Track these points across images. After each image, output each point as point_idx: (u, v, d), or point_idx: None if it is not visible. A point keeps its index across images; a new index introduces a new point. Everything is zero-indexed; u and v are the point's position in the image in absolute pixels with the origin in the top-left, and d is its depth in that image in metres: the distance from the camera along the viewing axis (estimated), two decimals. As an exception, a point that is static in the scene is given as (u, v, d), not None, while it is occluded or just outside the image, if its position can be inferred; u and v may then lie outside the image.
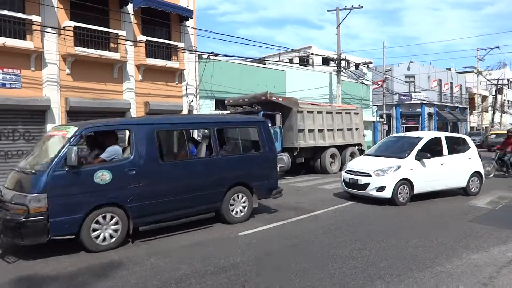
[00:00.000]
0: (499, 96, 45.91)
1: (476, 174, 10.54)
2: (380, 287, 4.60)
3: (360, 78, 27.60)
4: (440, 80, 39.98)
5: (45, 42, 13.09)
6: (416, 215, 8.40)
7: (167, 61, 16.25)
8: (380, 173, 9.11)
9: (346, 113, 17.62)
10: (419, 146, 9.55)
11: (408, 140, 10.37)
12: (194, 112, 17.64)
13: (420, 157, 9.37)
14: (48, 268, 5.37)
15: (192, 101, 17.57)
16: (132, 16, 15.37)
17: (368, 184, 9.19)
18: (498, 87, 44.45)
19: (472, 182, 10.44)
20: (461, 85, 44.01)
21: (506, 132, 17.77)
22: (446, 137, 10.26)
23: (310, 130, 15.68)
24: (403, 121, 38.28)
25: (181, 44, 16.69)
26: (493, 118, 44.40)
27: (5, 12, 12.02)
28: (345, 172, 10.08)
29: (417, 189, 9.35)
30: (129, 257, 5.73)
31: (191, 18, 17.00)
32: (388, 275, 4.95)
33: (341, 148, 17.29)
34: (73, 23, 13.36)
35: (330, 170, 16.33)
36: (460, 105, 43.81)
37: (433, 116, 39.01)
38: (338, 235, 6.89)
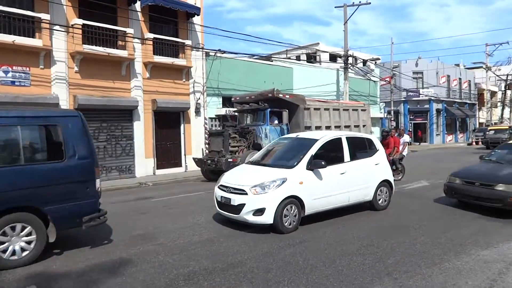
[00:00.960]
0: (508, 92, 45.39)
1: (385, 183, 8.63)
2: (388, 283, 4.59)
3: (368, 75, 27.44)
4: (448, 76, 39.62)
5: (54, 40, 13.20)
6: (424, 211, 8.36)
7: (174, 59, 16.29)
8: (259, 190, 6.70)
9: (353, 109, 17.56)
10: (312, 151, 7.34)
11: (300, 143, 8.08)
12: (201, 110, 17.70)
13: (313, 165, 7.17)
14: (57, 264, 5.43)
15: (199, 98, 17.61)
16: (139, 14, 15.43)
17: (243, 205, 6.70)
18: (508, 82, 43.94)
19: (380, 193, 8.52)
20: (469, 81, 43.58)
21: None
22: (348, 138, 8.15)
23: (317, 127, 15.61)
24: (411, 117, 38.04)
25: (188, 42, 16.72)
26: (502, 114, 43.92)
27: (14, 10, 12.13)
28: (218, 187, 7.50)
29: (309, 209, 7.14)
30: (137, 254, 5.78)
31: (198, 15, 17.03)
32: (396, 271, 4.94)
33: None
34: (81, 21, 13.45)
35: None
36: (468, 101, 43.39)
37: (441, 112, 38.70)
38: (346, 231, 6.88)
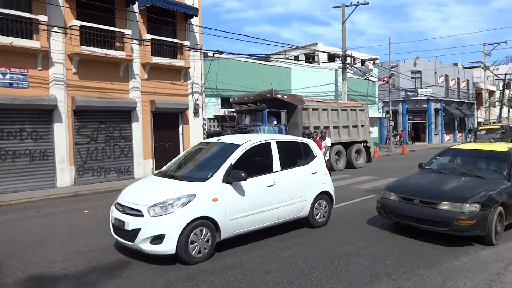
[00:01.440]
0: (506, 91, 45.49)
1: (324, 195, 7.36)
2: (386, 284, 4.59)
3: (366, 75, 27.47)
4: (446, 76, 39.69)
5: (52, 41, 13.18)
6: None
7: (172, 60, 16.28)
8: (158, 211, 5.27)
9: (351, 110, 17.57)
10: (231, 159, 5.92)
11: (219, 149, 6.64)
12: (200, 110, 17.69)
13: (231, 178, 5.73)
14: (56, 267, 5.42)
15: (197, 99, 17.60)
16: (137, 15, 15.42)
17: (137, 230, 5.28)
18: (506, 82, 44.04)
19: (318, 208, 7.22)
20: (468, 80, 43.65)
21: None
22: (278, 143, 6.72)
23: (316, 128, 15.60)
24: (410, 117, 38.11)
25: (186, 43, 16.71)
26: (500, 113, 44.02)
27: (12, 12, 12.10)
28: (114, 205, 6.03)
29: (227, 231, 5.76)
30: (136, 256, 5.77)
31: (196, 16, 17.01)
32: (395, 272, 4.95)
33: (347, 145, 17.23)
34: (79, 22, 13.42)
35: (336, 167, 16.30)
36: (467, 101, 43.47)
37: (439, 112, 38.77)
38: (345, 232, 6.89)
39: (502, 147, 7.70)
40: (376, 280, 4.71)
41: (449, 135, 41.19)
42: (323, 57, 30.72)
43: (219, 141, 6.95)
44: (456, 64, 43.72)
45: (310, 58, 32.57)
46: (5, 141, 12.47)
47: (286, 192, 6.58)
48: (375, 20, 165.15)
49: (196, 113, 17.56)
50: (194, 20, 17.30)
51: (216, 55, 18.09)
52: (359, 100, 26.61)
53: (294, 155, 7.21)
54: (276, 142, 6.75)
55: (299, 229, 7.11)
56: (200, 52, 17.66)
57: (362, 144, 18.15)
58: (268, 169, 6.46)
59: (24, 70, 12.73)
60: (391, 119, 30.08)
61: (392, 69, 31.07)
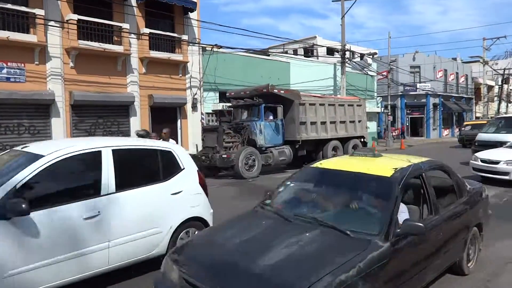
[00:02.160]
0: (505, 86, 45.50)
1: (195, 223, 5.31)
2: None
3: (365, 69, 27.42)
4: (445, 70, 39.64)
5: (49, 35, 13.10)
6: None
7: (170, 54, 16.20)
8: None
9: (348, 105, 17.47)
10: (13, 182, 3.82)
11: (12, 164, 4.36)
12: (198, 105, 17.65)
13: (8, 210, 3.65)
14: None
15: (195, 93, 17.54)
16: (135, 9, 15.32)
17: None
18: (505, 76, 44.04)
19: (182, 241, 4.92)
20: (466, 75, 43.62)
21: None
22: (116, 152, 4.62)
23: (312, 123, 15.55)
24: (408, 111, 38.12)
25: (184, 37, 16.62)
26: (499, 108, 44.07)
27: (9, 6, 12.02)
28: None
29: None
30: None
31: (195, 10, 16.91)
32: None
33: (344, 140, 17.19)
34: (76, 16, 13.33)
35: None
36: (465, 96, 43.47)
37: (438, 107, 38.78)
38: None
39: (385, 168, 4.18)
40: None
41: (447, 130, 41.25)
42: (322, 50, 30.62)
43: (22, 149, 4.68)
44: (455, 59, 43.64)
45: (309, 52, 32.47)
46: (2, 135, 12.44)
47: (121, 225, 4.50)
48: (374, 13, 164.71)
49: (194, 107, 17.52)
50: (193, 14, 17.20)
51: (215, 49, 18.00)
52: (358, 94, 26.58)
53: (145, 169, 5.16)
54: (113, 150, 4.63)
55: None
56: (199, 46, 17.57)
57: (359, 139, 18.11)
58: (92, 191, 4.40)
59: (21, 64, 12.66)
60: (389, 114, 30.09)
61: (391, 63, 31.02)
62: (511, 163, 10.84)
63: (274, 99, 14.68)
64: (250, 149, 13.60)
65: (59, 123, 13.48)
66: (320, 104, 16.04)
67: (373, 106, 28.77)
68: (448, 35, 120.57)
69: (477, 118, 43.10)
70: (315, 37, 33.35)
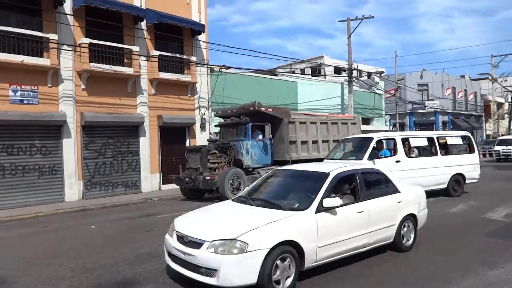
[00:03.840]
0: (515, 103, 45.15)
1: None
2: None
3: (372, 88, 27.52)
4: (454, 88, 39.61)
5: (62, 59, 13.47)
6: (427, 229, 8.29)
7: (179, 75, 16.50)
8: None
9: (342, 123, 16.83)
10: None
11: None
12: (206, 125, 17.81)
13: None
14: (63, 284, 5.45)
15: (204, 113, 17.74)
16: (145, 32, 15.69)
17: None
18: (514, 94, 43.75)
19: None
20: (475, 92, 43.51)
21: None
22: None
23: (303, 142, 14.92)
24: (417, 129, 37.95)
25: (193, 58, 16.94)
26: (510, 126, 43.63)
27: (23, 31, 12.41)
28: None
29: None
30: (142, 274, 5.79)
31: (203, 32, 17.27)
32: (401, 292, 4.91)
33: None
34: (88, 40, 13.71)
35: None
36: (475, 113, 43.25)
37: (447, 125, 38.59)
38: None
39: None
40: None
41: (457, 148, 40.87)
42: (330, 70, 30.88)
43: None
44: (463, 76, 43.64)
45: (316, 71, 32.75)
46: (15, 156, 12.67)
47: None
48: (381, 31, 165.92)
49: (203, 127, 17.70)
50: (201, 36, 17.57)
51: (223, 70, 18.28)
52: (365, 113, 26.66)
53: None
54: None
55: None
56: (207, 67, 17.87)
57: None
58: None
59: (35, 87, 12.98)
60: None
61: (398, 82, 31.11)
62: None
63: (263, 118, 14.09)
64: (235, 170, 12.99)
65: (70, 144, 13.71)
66: (312, 123, 15.43)
67: (381, 124, 28.76)
68: (456, 52, 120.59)
69: (497, 135, 42.56)
70: (322, 56, 33.72)
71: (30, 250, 7.43)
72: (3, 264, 6.47)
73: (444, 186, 12.09)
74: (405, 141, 11.77)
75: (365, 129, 26.69)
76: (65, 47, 13.44)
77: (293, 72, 28.34)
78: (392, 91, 30.36)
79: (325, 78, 28.00)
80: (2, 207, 12.17)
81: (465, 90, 41.58)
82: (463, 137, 13.18)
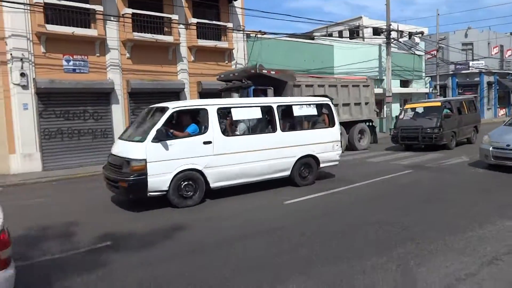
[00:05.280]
0: None
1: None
2: (410, 247, 5.12)
3: (412, 49, 26.80)
4: (501, 46, 37.50)
5: (107, 29, 14.32)
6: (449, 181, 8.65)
7: (217, 42, 17.01)
8: None
9: (353, 86, 16.11)
10: None
11: None
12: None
13: None
14: (124, 227, 6.42)
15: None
16: (183, 1, 16.19)
17: None
18: None
19: None
20: (526, 50, 40.95)
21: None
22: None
23: None
24: (460, 91, 36.64)
25: (229, 24, 17.34)
26: None
27: (73, 4, 13.30)
28: None
29: None
30: (193, 220, 6.66)
31: (239, -1, 17.54)
32: (420, 238, 5.44)
33: (348, 125, 15.92)
34: (131, 10, 14.45)
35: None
36: (524, 72, 40.94)
37: (493, 85, 36.95)
38: (380, 203, 7.41)
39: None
40: (401, 243, 5.24)
41: (503, 110, 39.23)
42: (368, 31, 30.17)
43: None
44: (512, 34, 41.06)
45: (354, 33, 32.08)
46: (71, 121, 13.93)
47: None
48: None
49: (240, 92, 18.26)
50: (237, 2, 17.84)
51: (258, 35, 18.56)
52: (404, 75, 26.17)
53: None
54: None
55: (341, 196, 7.66)
56: (243, 33, 18.22)
57: (366, 123, 16.87)
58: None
59: (85, 56, 13.99)
60: (438, 94, 29.25)
61: (440, 41, 29.96)
62: None
63: (267, 81, 13.31)
64: None
65: (118, 109, 14.81)
66: (319, 85, 14.92)
67: (421, 86, 28.15)
68: (505, 8, 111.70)
69: None
70: (361, 17, 32.85)
71: (92, 201, 8.53)
72: (69, 212, 7.59)
73: (287, 173, 8.97)
74: (224, 112, 8.55)
75: (404, 91, 26.35)
76: (109, 17, 14.25)
77: (330, 35, 27.99)
78: (433, 52, 29.35)
79: (363, 40, 27.48)
80: (61, 166, 13.56)
81: (515, 49, 39.27)
82: (320, 105, 9.80)
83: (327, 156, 9.50)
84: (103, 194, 8.61)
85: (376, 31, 28.68)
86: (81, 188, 10.55)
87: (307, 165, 9.18)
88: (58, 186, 11.14)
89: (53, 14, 13.05)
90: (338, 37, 29.05)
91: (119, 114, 14.83)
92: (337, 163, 9.91)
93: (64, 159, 13.73)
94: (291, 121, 9.34)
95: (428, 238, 5.40)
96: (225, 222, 6.54)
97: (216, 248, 5.29)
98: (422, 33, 29.13)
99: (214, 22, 17.00)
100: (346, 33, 32.00)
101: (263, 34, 18.65)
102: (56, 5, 12.98)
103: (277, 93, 13.48)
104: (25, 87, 12.83)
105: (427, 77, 29.86)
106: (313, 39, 24.00)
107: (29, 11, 12.70)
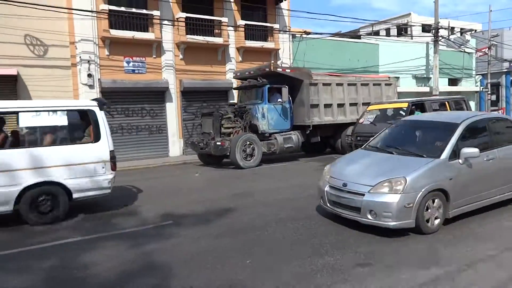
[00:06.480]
0: None
1: None
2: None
3: (462, 46, 26.15)
4: None
5: (163, 32, 15.51)
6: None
7: (263, 42, 17.79)
8: None
9: (374, 84, 15.61)
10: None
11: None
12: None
13: None
14: (183, 209, 7.31)
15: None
16: (232, 4, 17.12)
17: None
18: None
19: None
20: None
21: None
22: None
23: (327, 105, 13.98)
24: (514, 90, 35.05)
25: (276, 26, 18.07)
26: None
27: (133, 10, 14.60)
28: None
29: None
30: (239, 206, 7.44)
31: (285, 0, 18.20)
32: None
33: None
34: (184, 14, 15.56)
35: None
36: None
37: (550, 84, 34.96)
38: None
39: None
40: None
41: (562, 110, 36.98)
42: (417, 28, 29.71)
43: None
44: None
45: (402, 31, 31.70)
46: (130, 118, 15.26)
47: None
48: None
49: (285, 91, 18.95)
50: (283, 4, 18.53)
51: (304, 36, 19.12)
52: (453, 73, 25.68)
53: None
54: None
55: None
56: (289, 33, 18.87)
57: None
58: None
59: (143, 58, 15.27)
60: (489, 92, 28.30)
61: (492, 39, 28.94)
62: None
63: (283, 80, 13.21)
64: (248, 136, 12.26)
65: (172, 107, 15.98)
66: (337, 84, 14.43)
67: (471, 85, 27.42)
68: None
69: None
70: (409, 14, 32.38)
71: (151, 191, 9.57)
72: (134, 196, 8.64)
73: (8, 208, 6.28)
74: None
75: (453, 90, 25.80)
76: (165, 22, 15.45)
77: (377, 33, 27.88)
78: (485, 49, 28.38)
79: (411, 38, 27.17)
80: (119, 159, 14.80)
81: None
82: (81, 112, 7.08)
83: (85, 184, 6.78)
84: (165, 184, 9.56)
85: (425, 28, 28.21)
86: (141, 178, 11.68)
87: (51, 195, 6.53)
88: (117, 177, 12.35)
89: (116, 19, 14.38)
90: (386, 35, 28.89)
91: (172, 111, 16.01)
92: (107, 191, 7.14)
93: (124, 152, 15.08)
94: (17, 134, 6.70)
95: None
96: (271, 208, 7.21)
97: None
98: (473, 30, 28.29)
99: (261, 23, 17.79)
100: (393, 31, 31.69)
101: (308, 34, 19.19)
102: (119, 11, 14.31)
103: (293, 92, 13.41)
104: (91, 86, 14.28)
105: (478, 75, 28.94)
106: (359, 38, 24.16)
107: (95, 17, 14.10)
